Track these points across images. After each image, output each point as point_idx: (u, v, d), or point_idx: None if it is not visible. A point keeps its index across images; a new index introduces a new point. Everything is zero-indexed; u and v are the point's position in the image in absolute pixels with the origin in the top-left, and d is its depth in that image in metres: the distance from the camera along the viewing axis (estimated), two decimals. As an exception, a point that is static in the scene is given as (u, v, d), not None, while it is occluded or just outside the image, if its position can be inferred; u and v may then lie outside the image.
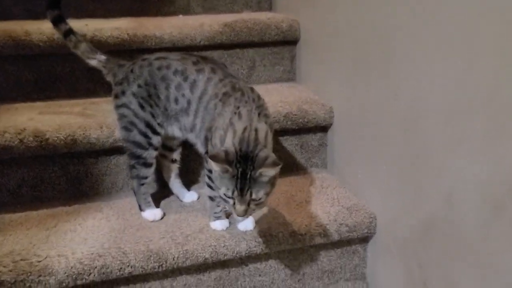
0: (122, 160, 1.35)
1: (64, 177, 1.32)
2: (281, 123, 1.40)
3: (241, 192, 0.94)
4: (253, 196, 0.94)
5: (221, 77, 1.11)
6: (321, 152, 1.51)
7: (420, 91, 0.97)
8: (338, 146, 1.42)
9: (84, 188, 1.34)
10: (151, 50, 1.57)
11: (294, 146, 1.48)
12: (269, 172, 0.93)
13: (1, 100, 1.47)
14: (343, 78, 1.35)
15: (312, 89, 1.59)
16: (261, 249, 1.15)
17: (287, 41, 1.69)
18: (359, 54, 1.23)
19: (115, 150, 1.33)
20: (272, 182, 0.97)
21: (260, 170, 0.93)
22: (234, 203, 0.96)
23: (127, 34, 1.52)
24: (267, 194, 0.97)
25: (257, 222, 1.19)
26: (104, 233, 1.15)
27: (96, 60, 1.26)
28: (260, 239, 1.14)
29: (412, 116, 1.01)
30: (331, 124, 1.45)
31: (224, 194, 0.96)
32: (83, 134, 1.26)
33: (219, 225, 1.16)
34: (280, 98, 1.50)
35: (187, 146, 1.28)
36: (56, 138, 1.24)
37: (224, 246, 1.12)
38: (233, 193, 0.94)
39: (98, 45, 1.49)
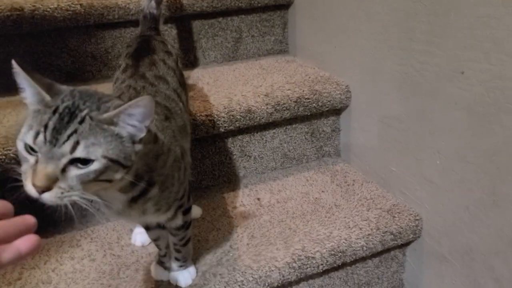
0: (97, 174, 1.04)
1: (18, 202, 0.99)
2: (292, 110, 1.14)
3: (54, 136, 0.50)
4: (78, 152, 0.50)
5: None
6: (334, 139, 1.28)
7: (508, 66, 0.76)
8: (358, 132, 1.20)
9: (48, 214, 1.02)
10: (114, 26, 1.23)
11: (304, 134, 1.24)
12: (133, 110, 0.52)
13: None
14: (365, 46, 1.11)
15: (315, 63, 1.33)
16: (296, 275, 0.92)
17: (278, 4, 1.41)
18: (394, 10, 0.99)
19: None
20: (135, 140, 0.55)
21: (107, 111, 0.52)
22: (36, 161, 0.50)
23: (81, 4, 1.16)
24: (118, 162, 0.53)
25: (286, 242, 0.95)
26: (92, 281, 0.87)
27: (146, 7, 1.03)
28: (295, 264, 0.91)
29: (491, 100, 0.80)
30: (346, 106, 1.22)
31: (24, 146, 0.51)
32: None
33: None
34: (284, 78, 1.24)
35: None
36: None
37: (252, 280, 0.88)
38: (36, 137, 0.50)
39: (42, 21, 1.13)
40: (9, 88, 1.18)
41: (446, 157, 0.92)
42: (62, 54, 1.21)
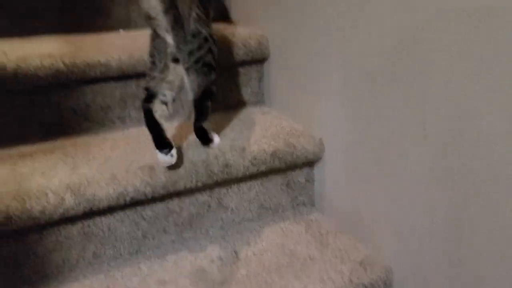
0: (76, 230, 1.05)
1: None
2: (268, 163, 1.19)
3: None
4: None
5: None
6: (308, 189, 1.33)
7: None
8: (331, 183, 1.25)
9: (25, 273, 1.02)
10: (95, 81, 1.27)
11: (279, 186, 1.28)
12: None
13: None
14: (338, 101, 1.18)
15: (290, 115, 1.39)
16: (273, 331, 0.94)
17: (255, 60, 1.47)
18: (368, 74, 1.06)
19: (66, 220, 1.03)
20: None
21: None
22: None
23: (63, 62, 1.19)
24: None
25: (263, 297, 0.98)
26: None
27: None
28: (271, 320, 0.94)
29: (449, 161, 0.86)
30: (320, 159, 1.28)
31: None
32: (21, 208, 0.95)
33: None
34: (260, 131, 1.29)
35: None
36: (-18, 219, 0.91)
37: None
38: None
39: (24, 80, 1.17)
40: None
41: (415, 212, 0.97)
42: (44, 109, 1.24)
